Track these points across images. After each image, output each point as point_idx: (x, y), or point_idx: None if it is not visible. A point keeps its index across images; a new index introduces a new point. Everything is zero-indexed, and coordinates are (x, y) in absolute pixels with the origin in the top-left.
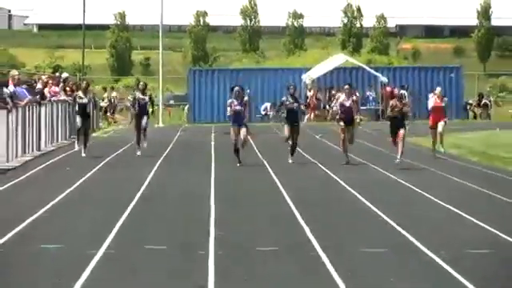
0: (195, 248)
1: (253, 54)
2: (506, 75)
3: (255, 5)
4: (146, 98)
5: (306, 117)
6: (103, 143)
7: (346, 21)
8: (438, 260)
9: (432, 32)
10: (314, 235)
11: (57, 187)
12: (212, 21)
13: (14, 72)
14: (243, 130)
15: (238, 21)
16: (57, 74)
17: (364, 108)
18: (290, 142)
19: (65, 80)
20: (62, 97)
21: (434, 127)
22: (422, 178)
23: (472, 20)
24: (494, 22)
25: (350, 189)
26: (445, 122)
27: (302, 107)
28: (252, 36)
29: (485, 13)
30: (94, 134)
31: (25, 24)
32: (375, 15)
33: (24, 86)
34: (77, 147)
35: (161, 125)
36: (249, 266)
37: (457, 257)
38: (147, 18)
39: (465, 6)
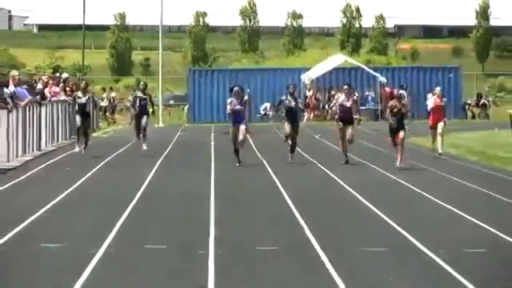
0: (195, 247)
1: (252, 55)
2: (505, 75)
3: (254, 5)
4: (147, 99)
5: (306, 117)
6: (103, 143)
7: (345, 21)
8: (437, 260)
9: (430, 32)
10: (313, 235)
11: (57, 187)
12: (211, 21)
13: (15, 72)
14: (242, 128)
15: (237, 21)
16: (57, 74)
17: (363, 108)
18: (290, 142)
19: (65, 80)
20: (62, 97)
21: (434, 127)
22: (421, 178)
23: (470, 20)
24: (493, 22)
25: (349, 189)
26: (444, 122)
27: (300, 105)
28: (251, 36)
29: (483, 13)
30: (94, 134)
31: (25, 24)
32: (374, 15)
33: (24, 87)
34: (77, 149)
35: (161, 125)
36: (249, 265)
37: (456, 256)
38: (147, 19)
39: (463, 7)
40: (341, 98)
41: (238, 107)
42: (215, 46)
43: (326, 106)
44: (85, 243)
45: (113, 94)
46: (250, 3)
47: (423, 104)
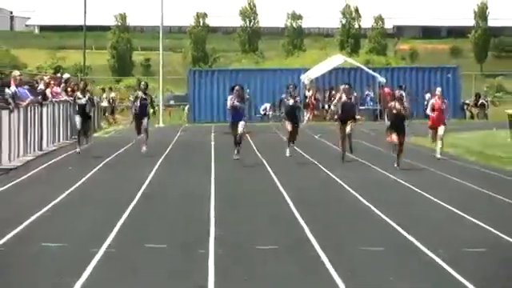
0: (195, 247)
1: (252, 55)
2: (503, 75)
3: (254, 6)
4: (148, 100)
5: (306, 118)
6: (104, 143)
7: (344, 22)
8: (437, 260)
9: (429, 33)
10: (313, 235)
11: (58, 187)
12: (212, 22)
13: (16, 72)
14: (241, 124)
15: (237, 22)
16: (58, 74)
17: (362, 108)
18: (292, 144)
19: (66, 81)
20: (64, 97)
21: (434, 128)
22: (420, 178)
23: (469, 21)
24: (491, 23)
25: (349, 189)
26: (445, 125)
27: (298, 104)
28: (251, 37)
29: (481, 14)
30: (95, 134)
31: (26, 25)
32: (373, 16)
33: (26, 87)
34: (78, 149)
35: (161, 125)
36: (249, 265)
37: (456, 256)
38: (148, 20)
39: (462, 7)
40: (343, 98)
41: (237, 103)
42: (215, 47)
43: (326, 106)
44: (85, 243)
45: (112, 95)
46: (249, 4)
47: (422, 104)
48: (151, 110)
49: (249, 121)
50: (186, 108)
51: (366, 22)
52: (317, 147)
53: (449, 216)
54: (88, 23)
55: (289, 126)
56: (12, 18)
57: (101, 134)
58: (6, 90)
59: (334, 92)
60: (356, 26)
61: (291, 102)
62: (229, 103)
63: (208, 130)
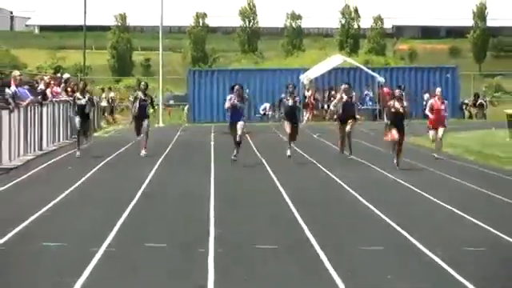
0: (195, 246)
1: (251, 55)
2: (502, 75)
3: (254, 6)
4: (148, 101)
5: (305, 118)
6: (104, 143)
7: (343, 22)
8: (437, 259)
9: (428, 33)
10: (313, 234)
11: (58, 186)
12: (211, 22)
13: (16, 72)
14: (240, 124)
15: (236, 22)
16: (58, 74)
17: (362, 108)
18: (291, 146)
19: (66, 81)
20: (64, 97)
21: (435, 128)
22: (420, 178)
23: (468, 21)
24: (490, 23)
25: (348, 188)
26: (444, 126)
27: (298, 104)
28: (251, 37)
29: (480, 14)
30: (95, 134)
31: (26, 25)
32: (372, 16)
33: (26, 87)
34: (78, 153)
35: (161, 124)
36: (248, 264)
37: (456, 256)
38: (147, 20)
39: (460, 7)
40: (344, 97)
41: (237, 102)
42: (215, 47)
43: (325, 106)
44: (86, 242)
45: (111, 94)
46: (249, 4)
47: (421, 104)
48: (151, 110)
49: (248, 121)
50: (186, 108)
51: (365, 22)
52: (316, 147)
53: (448, 216)
54: (88, 23)
55: (287, 127)
56: (12, 18)
57: (101, 134)
58: (7, 90)
59: (333, 92)
60: (355, 26)
61: (291, 102)
62: (227, 103)
63: (208, 130)
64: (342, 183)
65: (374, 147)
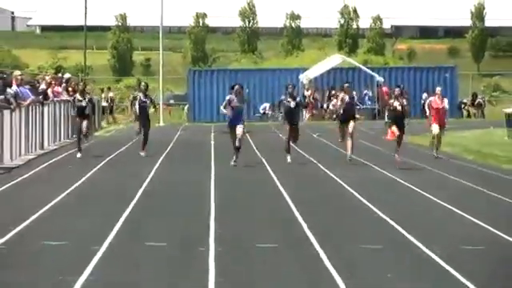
0: (195, 244)
1: (251, 55)
2: (500, 75)
3: (253, 6)
4: (147, 100)
5: (306, 117)
6: (105, 142)
7: (342, 22)
8: (436, 258)
9: (427, 33)
10: (312, 233)
11: (60, 185)
12: (211, 22)
13: (17, 72)
14: (240, 128)
15: (236, 22)
16: (59, 74)
17: (361, 107)
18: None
19: (67, 80)
20: (65, 97)
21: (436, 123)
22: (419, 177)
23: (466, 21)
24: (488, 23)
25: (348, 187)
26: (444, 127)
27: (300, 101)
28: (250, 37)
29: (478, 14)
30: (96, 134)
31: (28, 25)
32: (371, 16)
33: (27, 87)
34: (79, 154)
35: (161, 124)
36: (248, 263)
37: (455, 254)
38: (148, 20)
39: (459, 7)
40: (346, 98)
41: (237, 104)
42: (215, 47)
43: (325, 106)
44: (86, 241)
45: (110, 94)
46: (249, 4)
47: (419, 104)
48: (152, 110)
49: (247, 120)
50: (186, 107)
51: (364, 22)
52: (316, 146)
53: (447, 214)
54: (89, 23)
55: (287, 130)
56: (13, 18)
57: (102, 133)
58: (8, 90)
59: (334, 92)
60: (354, 26)
61: (292, 104)
62: (227, 111)
63: (208, 130)
64: (341, 182)
65: (373, 146)
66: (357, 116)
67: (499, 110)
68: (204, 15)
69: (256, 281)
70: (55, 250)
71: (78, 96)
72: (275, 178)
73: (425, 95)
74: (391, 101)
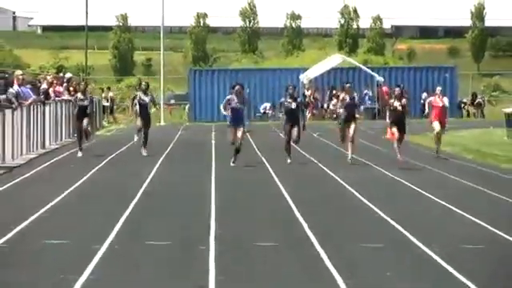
0: (196, 244)
1: (252, 55)
2: (500, 75)
3: (254, 6)
4: (147, 99)
5: (308, 117)
6: (106, 141)
7: (342, 22)
8: (435, 257)
9: (427, 33)
10: (312, 232)
11: (61, 184)
12: (212, 22)
13: (19, 72)
14: (241, 130)
15: (237, 22)
16: (60, 74)
17: (361, 107)
18: (292, 142)
19: (68, 80)
20: (66, 96)
21: (436, 120)
22: (419, 176)
23: (466, 21)
24: (488, 23)
25: (348, 186)
26: (445, 126)
27: (302, 102)
28: (251, 37)
29: (478, 14)
30: (97, 133)
31: (29, 25)
32: (371, 16)
33: (28, 86)
34: (80, 153)
35: (162, 123)
36: (249, 262)
37: (454, 254)
38: (149, 20)
39: (459, 7)
40: (347, 99)
41: (238, 105)
42: (215, 47)
43: (325, 105)
44: (87, 240)
45: (110, 94)
46: (249, 4)
47: (418, 103)
48: (153, 109)
49: (247, 120)
50: (187, 107)
51: (365, 22)
52: (316, 146)
53: (447, 213)
54: (90, 23)
55: (287, 130)
56: (15, 18)
57: (103, 133)
58: (10, 90)
59: (335, 91)
60: (354, 26)
61: (293, 105)
62: (226, 112)
63: (208, 129)
64: (342, 182)
65: (373, 146)
66: (357, 116)
67: (499, 110)
68: (205, 15)
69: (257, 280)
70: (56, 249)
71: (79, 95)
72: (276, 178)
73: (424, 95)
74: (391, 101)
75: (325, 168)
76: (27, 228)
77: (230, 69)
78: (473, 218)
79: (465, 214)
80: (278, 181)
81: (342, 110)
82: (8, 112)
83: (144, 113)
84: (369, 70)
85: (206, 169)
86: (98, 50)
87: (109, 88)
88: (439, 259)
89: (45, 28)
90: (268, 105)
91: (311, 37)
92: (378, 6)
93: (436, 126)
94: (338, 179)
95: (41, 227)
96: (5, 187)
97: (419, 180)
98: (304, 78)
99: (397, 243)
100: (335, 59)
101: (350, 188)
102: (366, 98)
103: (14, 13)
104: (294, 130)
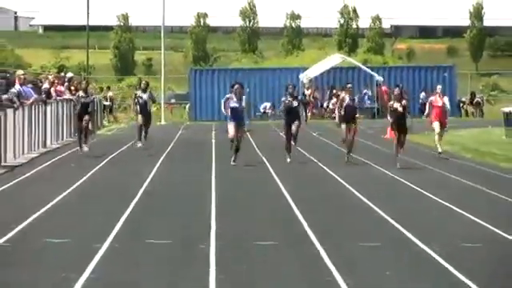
0: (196, 242)
1: (252, 54)
2: (498, 74)
3: (254, 6)
4: (145, 97)
5: (309, 116)
6: (107, 141)
7: (342, 22)
8: (434, 255)
9: (426, 32)
10: (312, 231)
11: (62, 183)
12: (212, 22)
13: (20, 72)
14: (242, 129)
15: (237, 22)
16: (62, 73)
17: (360, 107)
18: (292, 142)
19: (69, 79)
20: (67, 96)
21: (437, 120)
22: (419, 176)
23: (465, 21)
24: (486, 23)
25: (347, 185)
26: (445, 126)
27: (303, 99)
28: (251, 37)
29: (477, 14)
30: (98, 132)
31: (30, 25)
32: (371, 16)
33: (30, 86)
34: (80, 152)
35: (163, 122)
36: (249, 260)
37: (453, 252)
38: (149, 20)
39: (457, 7)
40: (346, 99)
41: (237, 105)
42: (216, 46)
43: (325, 105)
44: (88, 239)
45: (110, 94)
46: (249, 4)
47: (417, 102)
48: (154, 109)
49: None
50: (187, 106)
51: (364, 22)
52: (316, 145)
53: (446, 212)
54: (91, 23)
55: (286, 129)
56: (16, 18)
57: (103, 132)
58: (11, 89)
59: (334, 91)
60: (354, 25)
61: (294, 103)
62: (226, 111)
63: (209, 129)
64: (341, 181)
65: (372, 145)
66: (357, 116)
67: (497, 109)
68: (205, 15)
69: (257, 279)
70: (57, 248)
71: (81, 93)
72: (276, 177)
73: (423, 94)
74: (391, 102)
75: (324, 167)
76: (28, 227)
77: (230, 68)
78: (472, 217)
79: (464, 213)
80: (278, 180)
81: (338, 114)
82: (10, 111)
83: (144, 110)
84: (368, 70)
85: (207, 168)
86: (99, 50)
87: (108, 87)
88: (438, 258)
89: (46, 28)
90: (268, 104)
91: (311, 36)
92: (378, 5)
93: (436, 126)
94: (338, 178)
95: (42, 226)
96: (6, 186)
97: (419, 179)
98: (304, 77)
99: (396, 242)
100: (335, 59)
101: (349, 187)
102: (366, 97)
103: (15, 13)
104: (294, 125)
